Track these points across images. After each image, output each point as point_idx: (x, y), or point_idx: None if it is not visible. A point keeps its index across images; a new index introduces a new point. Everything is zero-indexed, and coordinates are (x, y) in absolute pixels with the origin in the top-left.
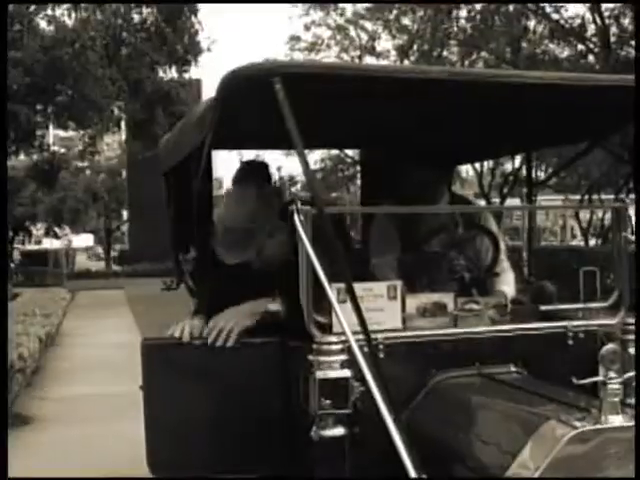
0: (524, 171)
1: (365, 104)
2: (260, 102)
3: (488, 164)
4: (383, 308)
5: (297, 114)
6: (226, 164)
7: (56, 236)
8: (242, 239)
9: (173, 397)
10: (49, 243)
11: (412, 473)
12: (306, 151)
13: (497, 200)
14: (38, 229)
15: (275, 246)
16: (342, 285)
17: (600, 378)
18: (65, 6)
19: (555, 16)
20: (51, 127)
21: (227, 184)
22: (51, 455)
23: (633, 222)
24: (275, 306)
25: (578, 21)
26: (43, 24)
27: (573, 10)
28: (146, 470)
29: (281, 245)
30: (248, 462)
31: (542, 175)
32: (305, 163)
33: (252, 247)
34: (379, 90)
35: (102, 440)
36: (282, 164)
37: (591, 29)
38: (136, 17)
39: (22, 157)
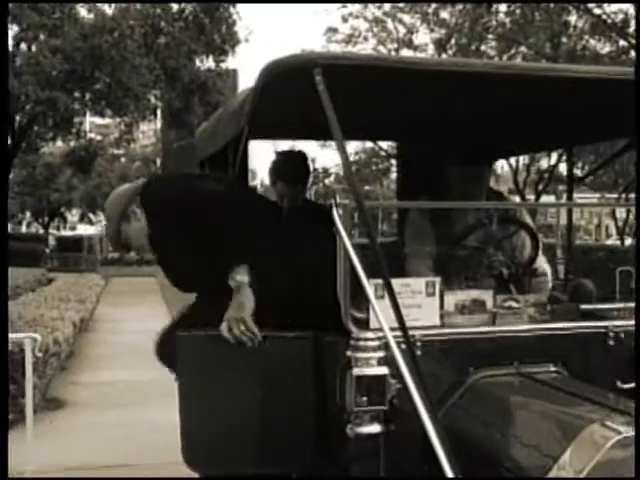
0: (560, 168)
1: (405, 96)
2: (300, 92)
3: (523, 160)
4: (421, 304)
5: (336, 105)
6: (255, 153)
7: (90, 222)
8: None
9: (206, 390)
10: (83, 229)
11: (449, 473)
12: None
13: (532, 197)
14: (73, 215)
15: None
16: (379, 281)
17: None
18: None
19: (597, 11)
20: (88, 114)
21: (260, 175)
22: (84, 439)
23: None
24: (240, 276)
25: (621, 16)
26: (83, 12)
27: (616, 5)
28: (178, 459)
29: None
30: (282, 457)
31: (578, 172)
32: (344, 155)
33: None
34: (420, 83)
35: (135, 426)
36: (316, 156)
37: (634, 24)
38: (174, 6)
39: (59, 144)
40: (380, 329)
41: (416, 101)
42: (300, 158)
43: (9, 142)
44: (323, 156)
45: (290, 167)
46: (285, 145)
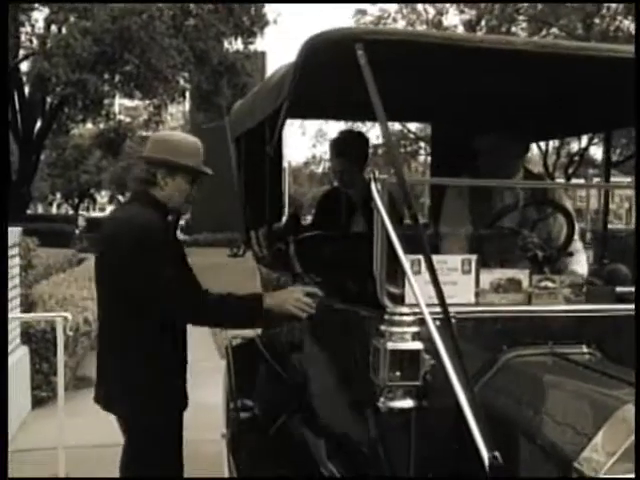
0: (590, 151)
1: (445, 75)
2: (341, 68)
3: (553, 143)
4: (456, 282)
5: (375, 83)
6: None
7: (120, 204)
8: None
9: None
10: None
11: (484, 451)
12: (369, 124)
13: (561, 180)
14: (102, 197)
15: None
16: (415, 257)
17: None
18: None
19: None
20: (117, 96)
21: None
22: (113, 417)
23: None
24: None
25: None
26: None
27: None
28: (203, 436)
29: None
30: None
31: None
32: (387, 131)
33: None
34: (463, 60)
35: None
36: None
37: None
38: None
39: (89, 125)
40: (415, 304)
41: (455, 80)
42: (362, 139)
43: (39, 124)
44: None
45: (350, 145)
46: (314, 126)
